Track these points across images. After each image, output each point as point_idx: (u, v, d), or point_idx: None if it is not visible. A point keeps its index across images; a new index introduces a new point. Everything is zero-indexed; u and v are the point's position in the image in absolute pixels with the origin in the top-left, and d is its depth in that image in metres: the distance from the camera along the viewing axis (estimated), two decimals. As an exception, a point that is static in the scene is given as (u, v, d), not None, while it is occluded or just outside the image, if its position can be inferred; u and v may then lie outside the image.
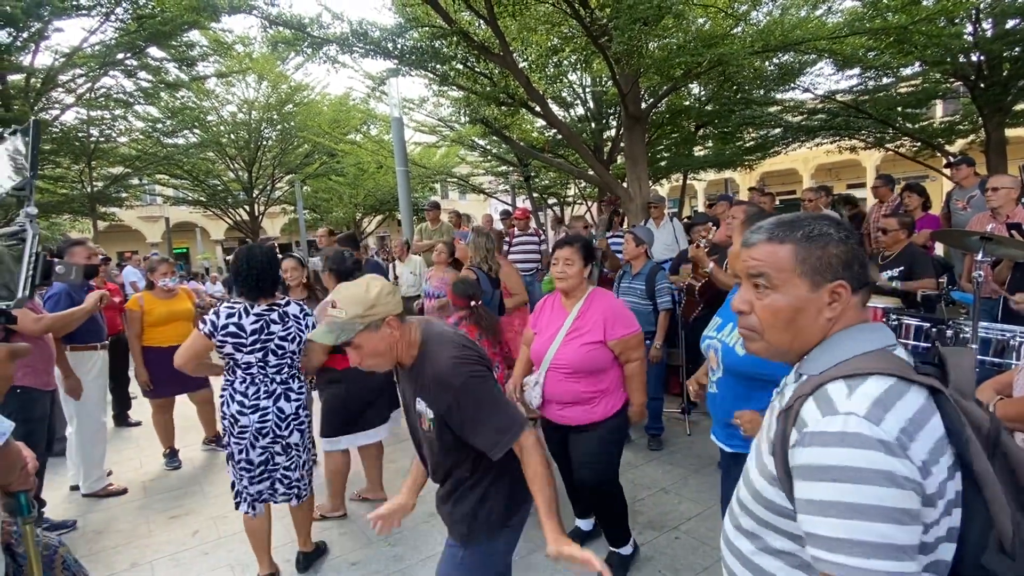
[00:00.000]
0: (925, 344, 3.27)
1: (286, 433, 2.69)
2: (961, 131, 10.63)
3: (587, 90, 11.26)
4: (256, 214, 18.35)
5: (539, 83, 8.20)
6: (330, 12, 6.44)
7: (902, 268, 3.91)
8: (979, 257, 2.81)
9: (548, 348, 2.56)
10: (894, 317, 3.39)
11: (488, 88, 7.42)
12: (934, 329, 3.24)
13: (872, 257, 4.59)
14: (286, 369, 2.72)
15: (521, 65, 7.19)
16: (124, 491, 4.03)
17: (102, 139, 13.15)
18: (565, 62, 8.65)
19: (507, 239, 7.36)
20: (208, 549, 3.20)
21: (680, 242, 5.91)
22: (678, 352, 4.64)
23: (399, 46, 6.55)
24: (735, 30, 7.05)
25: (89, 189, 13.83)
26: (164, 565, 3.07)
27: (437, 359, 1.62)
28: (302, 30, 6.33)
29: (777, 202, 10.31)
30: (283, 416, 2.68)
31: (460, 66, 7.12)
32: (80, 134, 12.49)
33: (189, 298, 4.63)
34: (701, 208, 19.83)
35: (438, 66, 6.93)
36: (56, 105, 11.44)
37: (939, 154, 10.59)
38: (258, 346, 2.61)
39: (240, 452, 2.64)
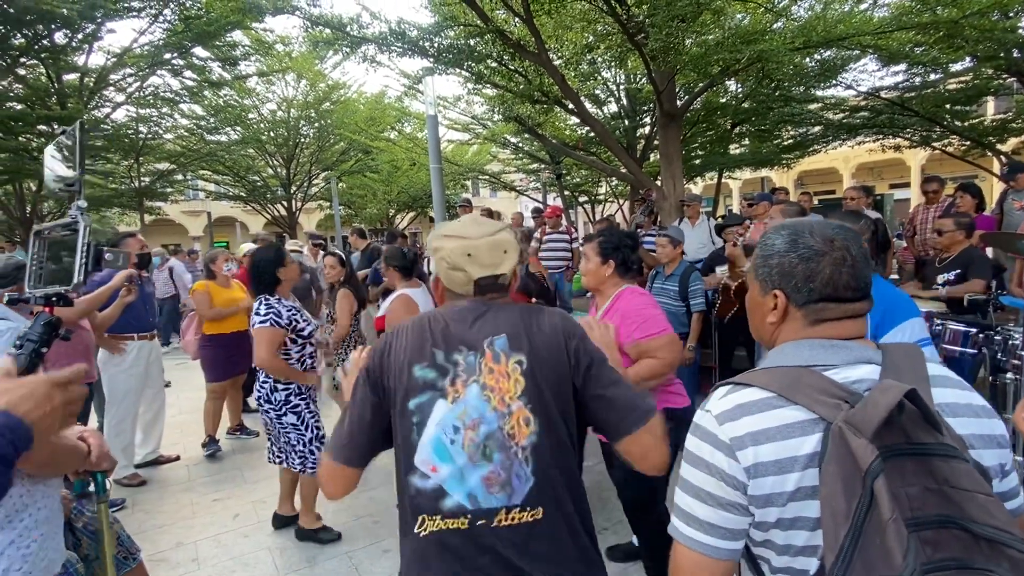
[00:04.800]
0: (972, 351, 3.15)
1: (264, 411, 3.11)
2: (1014, 129, 10.17)
3: (621, 87, 11.17)
4: (293, 209, 18.78)
5: (573, 81, 8.18)
6: (369, 12, 6.56)
7: (959, 271, 3.66)
8: (1031, 261, 2.71)
9: None
10: (938, 322, 3.28)
11: (523, 86, 7.44)
12: (981, 335, 3.13)
13: (921, 261, 4.40)
14: None
15: (556, 63, 7.19)
16: (143, 483, 4.04)
17: (150, 136, 13.65)
18: (600, 59, 8.60)
19: (537, 237, 7.38)
20: (248, 532, 3.33)
21: (714, 241, 5.83)
22: (711, 353, 4.59)
23: (435, 45, 6.62)
24: (775, 26, 6.91)
25: (137, 184, 14.39)
26: (207, 545, 3.20)
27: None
28: (342, 30, 6.46)
29: (815, 202, 10.06)
30: (257, 397, 3.09)
31: (495, 64, 7.16)
32: (129, 131, 12.98)
33: (241, 289, 4.81)
34: (736, 207, 19.44)
35: (473, 64, 6.99)
36: (107, 103, 11.93)
37: (990, 153, 10.15)
38: None
39: None
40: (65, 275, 1.16)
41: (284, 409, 3.04)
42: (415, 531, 1.12)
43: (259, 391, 3.06)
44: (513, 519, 1.10)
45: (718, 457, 0.88)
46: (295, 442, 3.06)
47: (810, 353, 0.91)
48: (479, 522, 1.10)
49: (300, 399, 3.09)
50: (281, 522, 3.32)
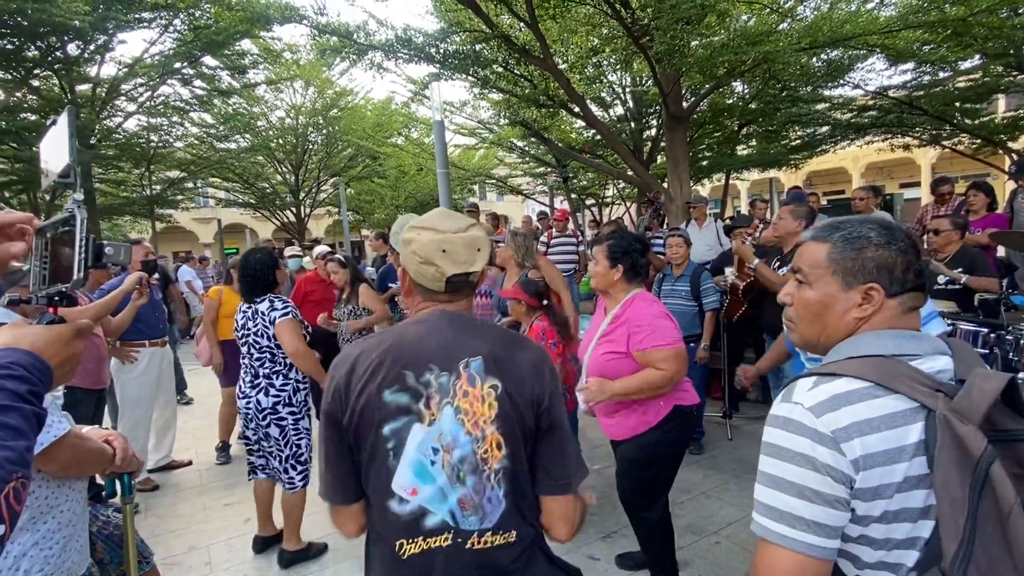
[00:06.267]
0: (983, 350, 3.13)
1: (264, 424, 2.89)
2: (1026, 127, 10.07)
3: (627, 90, 11.17)
4: (302, 216, 18.89)
5: (578, 84, 8.19)
6: (375, 19, 6.59)
7: (960, 269, 3.75)
8: (1042, 259, 2.69)
9: (586, 352, 2.50)
10: (949, 322, 3.26)
11: (528, 90, 7.47)
12: (993, 335, 3.11)
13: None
14: (267, 364, 2.91)
15: (561, 67, 7.21)
16: (156, 487, 4.10)
17: (160, 145, 13.79)
18: (605, 63, 8.61)
19: (545, 240, 7.40)
20: (260, 536, 3.35)
21: (722, 243, 5.82)
22: (720, 355, 4.57)
23: (441, 51, 6.66)
24: (781, 26, 6.88)
25: (148, 192, 14.56)
26: (219, 549, 3.23)
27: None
28: (348, 37, 6.51)
29: (824, 201, 9.99)
30: (260, 408, 2.87)
31: (500, 69, 7.19)
32: (140, 140, 13.15)
33: None
34: (744, 209, 19.33)
35: (479, 70, 7.02)
36: (119, 113, 12.10)
37: (1001, 151, 10.04)
38: (242, 339, 2.92)
39: (244, 427, 3.00)
40: (66, 272, 1.10)
41: (303, 411, 2.95)
42: (396, 553, 1.10)
43: (278, 395, 2.87)
44: (486, 543, 1.11)
45: (821, 451, 0.84)
46: (304, 449, 2.92)
47: (896, 343, 0.91)
48: (459, 539, 1.11)
49: (290, 412, 2.94)
50: (264, 544, 3.13)
